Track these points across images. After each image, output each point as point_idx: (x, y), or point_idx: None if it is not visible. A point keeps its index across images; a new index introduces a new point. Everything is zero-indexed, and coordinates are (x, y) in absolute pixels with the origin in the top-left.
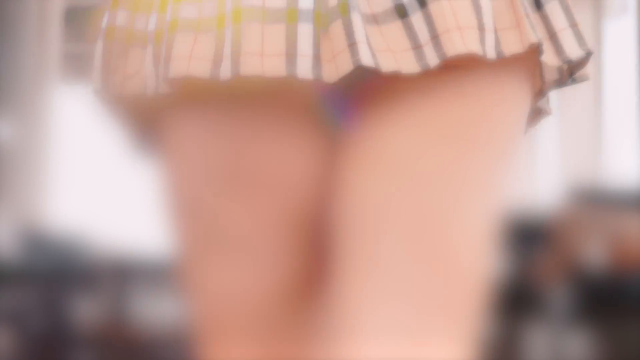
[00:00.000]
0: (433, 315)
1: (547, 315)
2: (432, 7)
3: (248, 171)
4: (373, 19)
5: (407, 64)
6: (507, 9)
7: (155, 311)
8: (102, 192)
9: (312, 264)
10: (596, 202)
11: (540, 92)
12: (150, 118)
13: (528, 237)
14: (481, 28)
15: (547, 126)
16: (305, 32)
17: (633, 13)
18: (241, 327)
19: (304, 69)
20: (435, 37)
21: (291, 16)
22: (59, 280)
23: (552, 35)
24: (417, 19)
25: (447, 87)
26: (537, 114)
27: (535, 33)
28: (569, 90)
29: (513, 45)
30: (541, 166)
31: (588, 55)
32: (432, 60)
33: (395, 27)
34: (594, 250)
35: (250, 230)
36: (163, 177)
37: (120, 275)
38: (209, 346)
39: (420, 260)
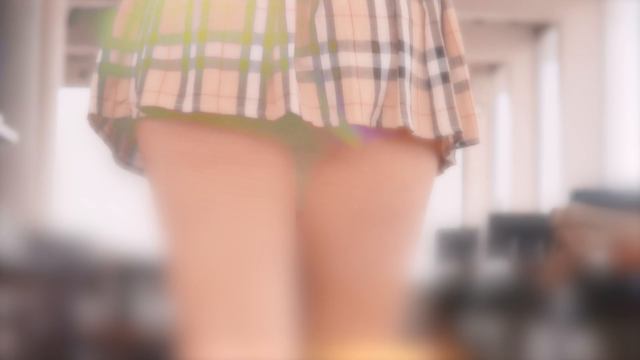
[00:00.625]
0: (377, 325)
1: (551, 316)
2: (344, 82)
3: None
4: (300, 77)
5: (317, 120)
6: (393, 91)
7: (159, 313)
8: (105, 193)
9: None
10: (599, 204)
11: (446, 150)
12: (132, 137)
13: (532, 239)
14: (375, 104)
15: (550, 130)
16: (254, 80)
17: (635, 17)
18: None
19: (251, 109)
20: (340, 105)
21: (244, 66)
22: (62, 281)
23: (433, 113)
24: (329, 86)
25: (384, 152)
26: (445, 165)
27: (410, 115)
28: (572, 94)
29: (390, 122)
30: (544, 169)
31: (458, 134)
32: (334, 121)
33: (311, 88)
34: (597, 252)
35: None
36: (159, 188)
37: (124, 277)
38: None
39: (371, 289)
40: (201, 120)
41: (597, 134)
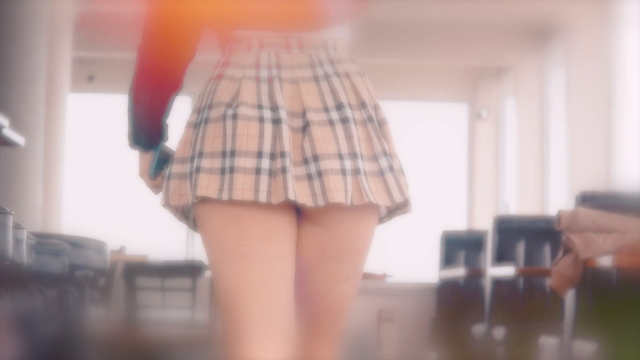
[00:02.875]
0: (331, 326)
1: (558, 320)
2: (325, 179)
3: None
4: (297, 178)
5: (309, 203)
6: (356, 181)
7: (165, 315)
8: (111, 198)
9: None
10: (606, 207)
11: (388, 215)
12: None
13: (538, 242)
14: (346, 190)
15: (557, 134)
16: (264, 180)
17: None
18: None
19: (263, 198)
20: (324, 193)
21: (257, 172)
22: (68, 286)
23: (388, 190)
24: (316, 184)
25: (350, 216)
26: (391, 216)
27: (371, 195)
28: (578, 99)
29: (359, 200)
30: (551, 172)
31: (407, 201)
32: (321, 202)
33: (305, 184)
34: (604, 256)
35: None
36: (212, 241)
37: (130, 281)
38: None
39: (329, 302)
40: (234, 204)
41: (604, 138)
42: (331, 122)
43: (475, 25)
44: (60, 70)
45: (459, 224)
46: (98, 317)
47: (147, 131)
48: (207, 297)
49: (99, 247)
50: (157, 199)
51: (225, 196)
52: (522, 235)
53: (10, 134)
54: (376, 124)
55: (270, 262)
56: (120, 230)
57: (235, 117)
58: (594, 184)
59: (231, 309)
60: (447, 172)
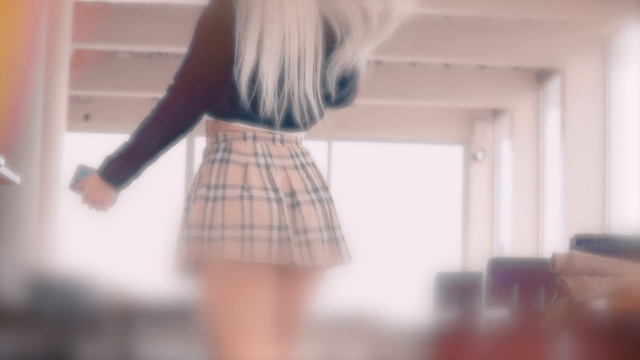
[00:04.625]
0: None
1: None
2: (312, 247)
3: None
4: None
5: (302, 264)
6: (331, 248)
7: (161, 355)
8: (107, 235)
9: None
10: (601, 251)
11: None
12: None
13: (533, 285)
14: (325, 255)
15: (552, 176)
16: (274, 247)
17: (639, 65)
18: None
19: (273, 260)
20: (311, 257)
21: (269, 240)
22: (64, 324)
23: (342, 253)
24: (304, 250)
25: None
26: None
27: (341, 255)
28: (574, 141)
29: (333, 262)
30: (546, 215)
31: (349, 259)
32: (309, 264)
33: (298, 250)
34: (599, 300)
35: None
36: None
37: (126, 320)
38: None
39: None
40: (252, 263)
41: (599, 181)
42: (312, 202)
43: (471, 68)
44: (56, 108)
45: (453, 266)
46: (95, 356)
47: (138, 173)
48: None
49: (93, 285)
50: (148, 234)
51: (247, 259)
52: (516, 277)
53: (6, 172)
54: (332, 203)
55: (267, 294)
56: (116, 268)
57: (251, 198)
58: (589, 226)
59: (233, 324)
60: (442, 214)
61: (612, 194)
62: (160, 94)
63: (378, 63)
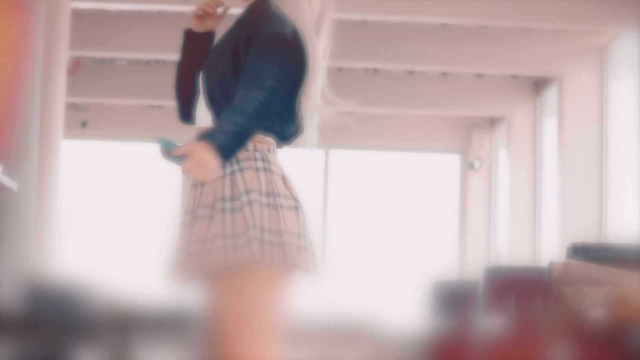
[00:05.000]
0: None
1: None
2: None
3: None
4: None
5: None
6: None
7: None
8: (104, 243)
9: None
10: (597, 259)
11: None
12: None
13: (530, 294)
14: None
15: (549, 185)
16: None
17: (636, 74)
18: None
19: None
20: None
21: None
22: (61, 331)
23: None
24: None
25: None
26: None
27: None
28: (571, 149)
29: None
30: (543, 223)
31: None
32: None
33: None
34: (595, 308)
35: None
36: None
37: (123, 327)
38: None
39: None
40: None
41: (596, 189)
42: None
43: (469, 76)
44: (53, 115)
45: (450, 274)
46: None
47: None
48: (197, 346)
49: (90, 292)
50: (152, 241)
51: (303, 267)
52: (513, 286)
53: (3, 179)
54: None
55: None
56: (113, 275)
57: (301, 209)
58: (586, 235)
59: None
60: (439, 222)
61: (609, 202)
62: (157, 101)
63: (375, 71)
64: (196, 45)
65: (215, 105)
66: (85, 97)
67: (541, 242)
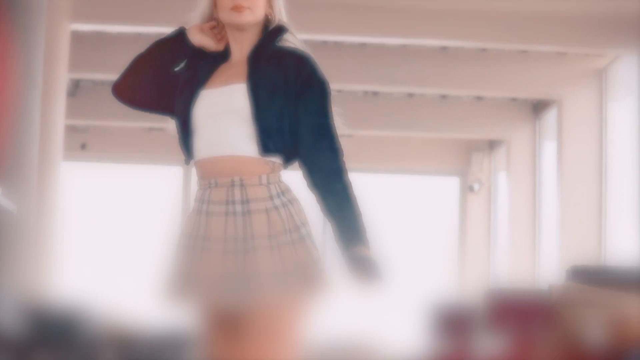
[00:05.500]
0: None
1: None
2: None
3: None
4: None
5: None
6: None
7: None
8: (103, 265)
9: None
10: (596, 282)
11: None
12: None
13: (529, 316)
14: None
15: (549, 207)
16: None
17: (635, 97)
18: None
19: None
20: None
21: None
22: (61, 352)
23: None
24: None
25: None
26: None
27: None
28: (570, 172)
29: None
30: (543, 246)
31: None
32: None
33: None
34: (595, 330)
35: None
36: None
37: (122, 349)
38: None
39: None
40: None
41: (595, 212)
42: None
43: (468, 99)
44: (53, 137)
45: (449, 296)
46: None
47: None
48: None
49: (90, 314)
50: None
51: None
52: (512, 308)
53: (2, 201)
54: None
55: None
56: (112, 297)
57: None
58: (586, 257)
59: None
60: (438, 244)
61: (609, 225)
62: (157, 123)
63: (375, 94)
64: (175, 50)
65: (268, 139)
66: (85, 119)
67: (540, 264)
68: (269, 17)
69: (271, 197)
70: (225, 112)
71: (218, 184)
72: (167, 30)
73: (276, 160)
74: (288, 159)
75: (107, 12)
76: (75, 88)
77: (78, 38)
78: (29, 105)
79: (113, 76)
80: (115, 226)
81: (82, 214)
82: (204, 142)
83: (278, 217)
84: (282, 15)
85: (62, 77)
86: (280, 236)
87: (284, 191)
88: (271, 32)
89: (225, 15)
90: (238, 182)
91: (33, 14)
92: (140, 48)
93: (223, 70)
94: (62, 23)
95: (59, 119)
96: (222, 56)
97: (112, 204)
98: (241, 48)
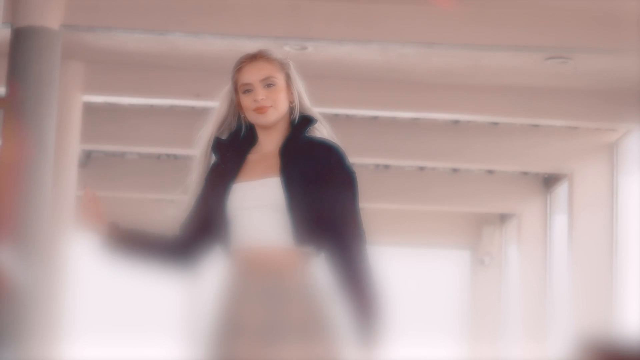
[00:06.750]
0: None
1: None
2: None
3: None
4: None
5: None
6: None
7: None
8: (115, 337)
9: None
10: (610, 356)
11: None
12: None
13: None
14: None
15: (560, 282)
16: None
17: None
18: None
19: None
20: None
21: None
22: None
23: None
24: None
25: None
26: None
27: None
28: (581, 246)
29: None
30: (554, 318)
31: None
32: None
33: None
34: None
35: None
36: None
37: None
38: None
39: None
40: None
41: (606, 286)
42: None
43: (479, 173)
44: (64, 208)
45: None
46: None
47: None
48: None
49: None
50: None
51: None
52: None
53: (13, 270)
54: None
55: None
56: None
57: None
58: (597, 332)
59: None
60: (448, 318)
61: (620, 300)
62: (168, 195)
63: (386, 167)
64: (122, 239)
65: (302, 230)
66: (96, 191)
67: (552, 338)
68: (292, 104)
69: (305, 287)
70: (261, 205)
71: (253, 272)
72: (177, 102)
73: (309, 250)
74: (320, 248)
75: (119, 84)
76: (87, 159)
77: (90, 109)
78: (41, 175)
79: (124, 147)
80: (126, 299)
81: (92, 285)
82: (240, 233)
83: (311, 308)
84: (303, 100)
85: (74, 148)
86: (312, 328)
87: (316, 281)
88: (300, 123)
89: (250, 116)
90: (275, 272)
91: (46, 86)
92: (152, 120)
93: (256, 162)
94: (75, 94)
95: (71, 190)
96: (248, 142)
97: (123, 275)
98: (271, 139)
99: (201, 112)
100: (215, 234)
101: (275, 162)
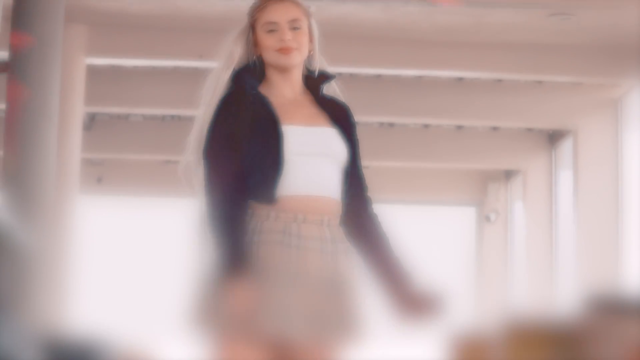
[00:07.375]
0: None
1: None
2: None
3: None
4: None
5: None
6: None
7: None
8: (120, 299)
9: None
10: (614, 311)
11: None
12: None
13: (546, 345)
14: None
15: (565, 237)
16: None
17: None
18: None
19: None
20: None
21: None
22: None
23: None
24: None
25: None
26: None
27: None
28: (587, 201)
29: None
30: (559, 276)
31: None
32: None
33: None
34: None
35: None
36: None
37: None
38: None
39: None
40: None
41: (612, 241)
42: None
43: (484, 130)
44: (69, 171)
45: (467, 325)
46: None
47: None
48: None
49: (108, 348)
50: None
51: None
52: (530, 336)
53: (18, 233)
54: None
55: None
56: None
57: None
58: (603, 287)
59: None
60: (455, 275)
61: (624, 254)
62: (173, 156)
63: (390, 125)
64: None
65: (348, 183)
66: (101, 153)
67: (558, 293)
68: (310, 53)
69: (344, 240)
70: (322, 153)
71: (307, 220)
72: (180, 63)
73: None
74: (348, 202)
75: (122, 46)
76: (91, 122)
77: (94, 72)
78: (45, 138)
79: (128, 109)
80: (131, 259)
81: (98, 247)
82: (295, 179)
83: (349, 260)
84: (318, 52)
85: (78, 111)
86: (354, 279)
87: (343, 239)
88: (319, 77)
89: (270, 57)
90: (327, 222)
91: (49, 49)
92: (155, 81)
93: (290, 106)
94: (78, 57)
95: (75, 153)
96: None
97: (128, 237)
98: (289, 85)
99: (204, 73)
100: (256, 177)
101: (314, 111)
